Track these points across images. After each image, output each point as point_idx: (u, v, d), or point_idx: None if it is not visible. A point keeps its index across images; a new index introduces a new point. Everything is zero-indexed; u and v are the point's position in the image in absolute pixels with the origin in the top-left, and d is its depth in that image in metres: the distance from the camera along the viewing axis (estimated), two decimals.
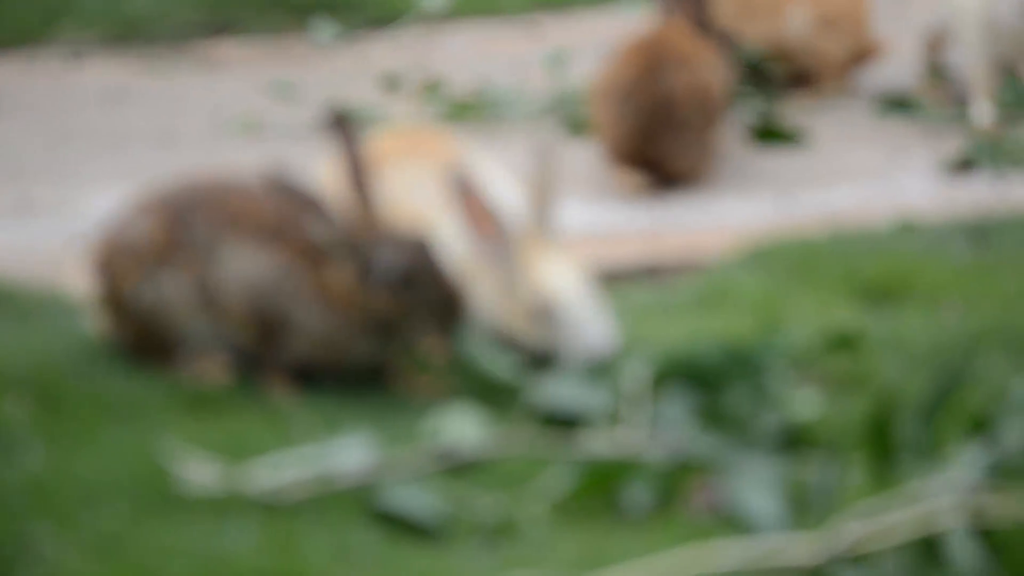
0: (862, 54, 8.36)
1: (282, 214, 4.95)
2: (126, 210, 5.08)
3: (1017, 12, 7.54)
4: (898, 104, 8.02)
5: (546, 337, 4.98)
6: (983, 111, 7.71)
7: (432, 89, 8.24)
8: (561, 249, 5.09)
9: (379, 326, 4.87)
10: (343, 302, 4.86)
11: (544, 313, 4.97)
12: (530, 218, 5.06)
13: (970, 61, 7.80)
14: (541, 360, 5.08)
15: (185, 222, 4.98)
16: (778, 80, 8.44)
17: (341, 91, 8.57)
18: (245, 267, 4.92)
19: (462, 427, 4.61)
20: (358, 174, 4.89)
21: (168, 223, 4.99)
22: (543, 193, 5.06)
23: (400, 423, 4.71)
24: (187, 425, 4.69)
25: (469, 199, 4.99)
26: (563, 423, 4.67)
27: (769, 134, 7.77)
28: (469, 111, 8.11)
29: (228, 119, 8.28)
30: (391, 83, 8.77)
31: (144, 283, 4.99)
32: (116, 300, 5.03)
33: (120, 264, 5.00)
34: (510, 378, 4.83)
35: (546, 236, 5.06)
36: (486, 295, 5.03)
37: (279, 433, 4.64)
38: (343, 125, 4.90)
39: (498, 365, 4.85)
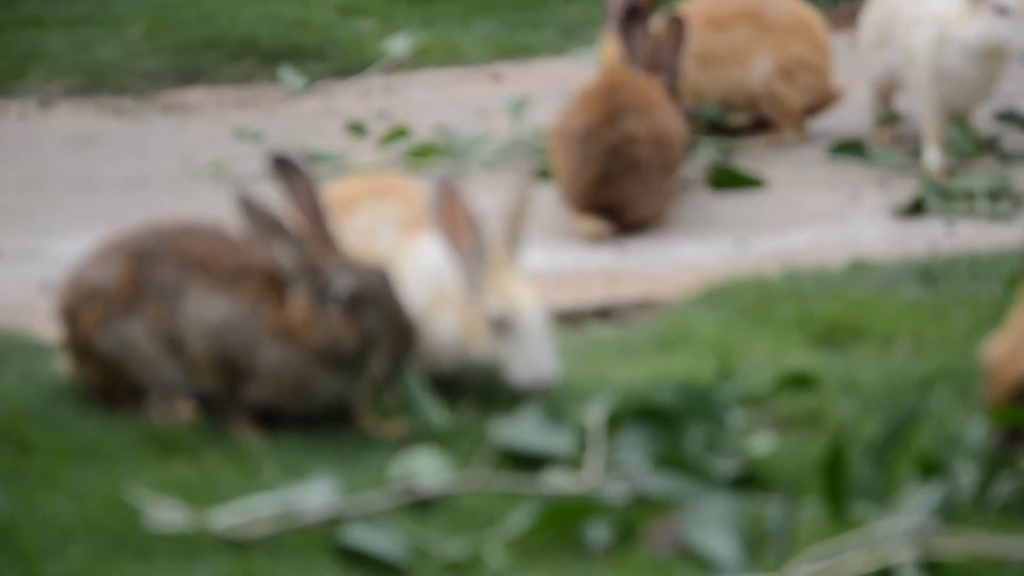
0: (823, 102, 8.41)
1: (243, 255, 4.94)
2: (90, 256, 5.06)
3: (968, 61, 7.59)
4: (851, 149, 8.06)
5: (499, 352, 4.99)
6: (933, 157, 7.75)
7: (397, 135, 8.24)
8: (525, 278, 5.11)
9: (340, 359, 4.84)
10: (303, 335, 4.84)
11: (502, 325, 4.97)
12: (502, 242, 5.07)
13: (921, 108, 7.84)
14: (487, 384, 5.11)
15: (148, 268, 4.95)
16: (735, 127, 8.48)
17: (308, 137, 8.57)
18: (208, 312, 4.89)
19: (425, 467, 4.59)
20: (313, 212, 4.86)
21: (132, 269, 4.96)
22: (516, 220, 5.08)
23: (365, 464, 4.69)
24: (154, 468, 4.66)
25: (450, 205, 4.99)
26: (525, 462, 4.66)
27: (726, 179, 7.78)
28: (433, 156, 8.10)
29: (196, 165, 8.26)
30: (357, 129, 8.77)
31: (109, 328, 4.96)
32: (82, 345, 5.00)
33: (85, 310, 4.97)
34: (438, 422, 4.82)
35: (514, 261, 5.08)
36: (445, 319, 5.05)
37: (245, 475, 4.61)
38: (288, 167, 4.90)
39: (429, 409, 4.85)
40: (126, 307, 4.94)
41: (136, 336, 4.94)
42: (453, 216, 4.99)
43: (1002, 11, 7.44)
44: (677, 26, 7.53)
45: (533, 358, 4.96)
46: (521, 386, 4.98)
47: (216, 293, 4.89)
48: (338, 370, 4.87)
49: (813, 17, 8.45)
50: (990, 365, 4.16)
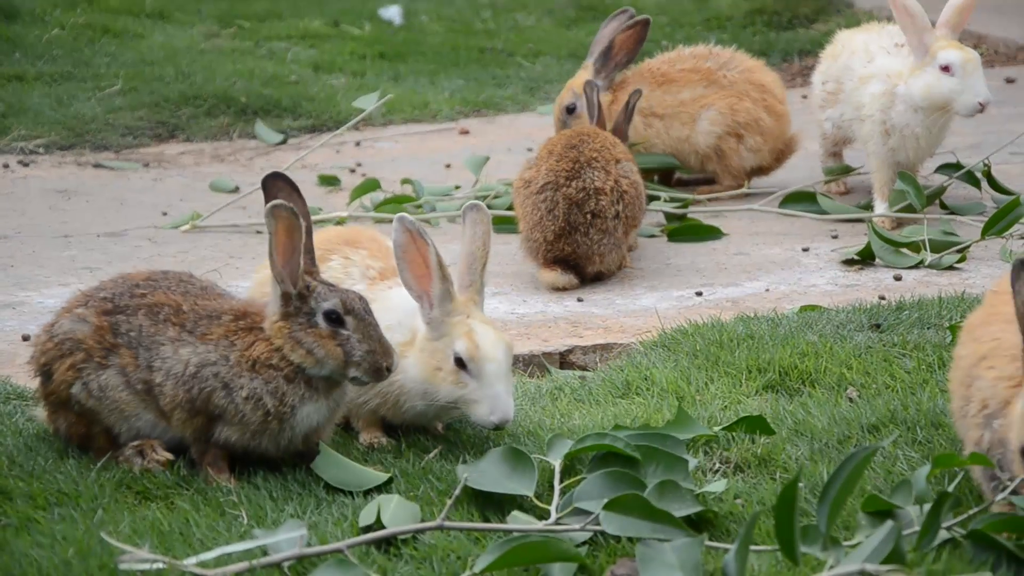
0: (773, 164, 8.44)
1: (211, 302, 4.93)
2: (64, 309, 5.03)
3: (914, 116, 7.63)
4: (802, 200, 8.09)
5: (463, 391, 5.00)
6: (881, 208, 7.78)
7: (368, 188, 8.25)
8: (488, 318, 5.13)
9: (319, 375, 4.84)
10: (282, 356, 4.83)
11: (466, 365, 5.00)
12: (465, 283, 5.09)
13: (870, 163, 7.88)
14: (450, 424, 5.09)
15: (122, 320, 4.93)
16: (692, 181, 8.51)
17: None
18: (180, 359, 4.87)
19: (394, 508, 4.58)
20: (304, 235, 4.86)
21: (107, 324, 4.94)
22: (477, 263, 5.09)
23: (335, 507, 4.66)
24: (129, 514, 4.62)
25: (413, 247, 5.00)
26: (491, 504, 4.65)
27: (683, 230, 7.81)
28: (402, 208, 8.11)
29: (174, 217, 8.25)
30: (330, 182, 8.78)
31: (84, 380, 4.94)
32: (58, 397, 4.97)
33: (60, 363, 4.96)
34: (368, 480, 4.82)
35: (478, 302, 5.09)
36: (411, 361, 5.04)
37: (219, 520, 4.59)
38: (282, 186, 4.91)
39: (356, 473, 4.86)
40: (100, 358, 4.92)
41: (111, 386, 4.92)
42: (416, 258, 5.01)
43: (945, 68, 7.50)
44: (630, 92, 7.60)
45: (494, 397, 4.98)
46: (483, 424, 4.99)
47: (187, 340, 4.88)
48: (316, 391, 4.84)
49: (771, 78, 8.46)
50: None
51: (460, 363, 4.97)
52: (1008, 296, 4.26)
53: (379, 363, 4.81)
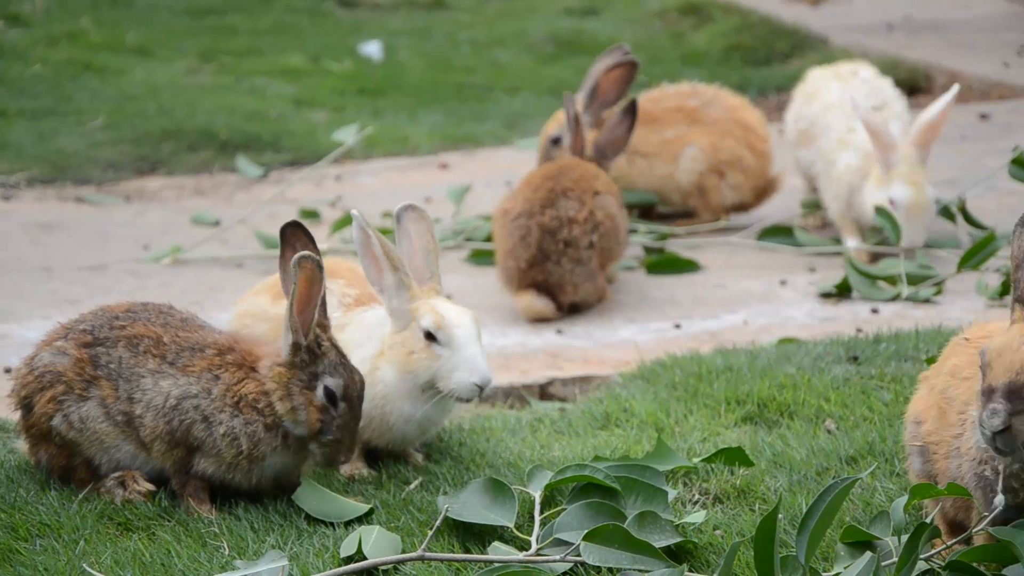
0: (755, 201, 8.46)
1: (192, 333, 4.92)
2: (43, 342, 5.01)
3: (866, 200, 7.70)
4: (780, 234, 8.11)
5: (435, 360, 5.04)
6: (854, 243, 7.81)
7: (348, 221, 8.25)
8: (450, 299, 5.20)
9: (289, 440, 4.84)
10: (269, 403, 4.82)
11: (433, 331, 5.05)
12: (423, 275, 5.17)
13: (834, 212, 7.90)
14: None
15: (102, 352, 4.91)
16: (672, 215, 8.53)
17: (264, 224, 8.56)
18: (160, 390, 4.86)
19: (375, 539, 4.57)
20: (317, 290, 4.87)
21: (87, 356, 4.92)
22: (429, 254, 5.18)
23: (317, 538, 4.65)
24: (111, 545, 4.60)
25: (369, 244, 5.08)
26: (472, 534, 4.64)
27: (662, 263, 7.82)
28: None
29: (155, 251, 8.24)
30: (311, 216, 8.77)
31: (64, 412, 4.91)
32: (39, 430, 4.95)
33: (40, 396, 4.93)
34: (349, 511, 4.81)
35: (437, 288, 5.18)
36: (388, 360, 5.10)
37: (200, 551, 4.57)
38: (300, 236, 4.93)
39: (336, 504, 4.86)
40: (80, 390, 4.91)
41: (91, 417, 4.90)
42: (373, 254, 5.09)
43: (892, 203, 7.49)
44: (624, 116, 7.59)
45: (470, 359, 5.04)
46: (465, 391, 5.04)
47: (167, 372, 4.86)
48: (288, 447, 4.84)
49: (754, 117, 8.48)
50: (990, 355, 4.15)
51: (430, 336, 5.07)
52: (985, 337, 4.31)
53: (336, 455, 4.84)
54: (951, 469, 4.30)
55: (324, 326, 4.85)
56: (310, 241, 4.91)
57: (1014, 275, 4.20)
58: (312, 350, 4.82)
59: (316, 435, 4.81)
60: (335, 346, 4.86)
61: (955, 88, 7.64)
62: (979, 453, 4.18)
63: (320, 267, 4.77)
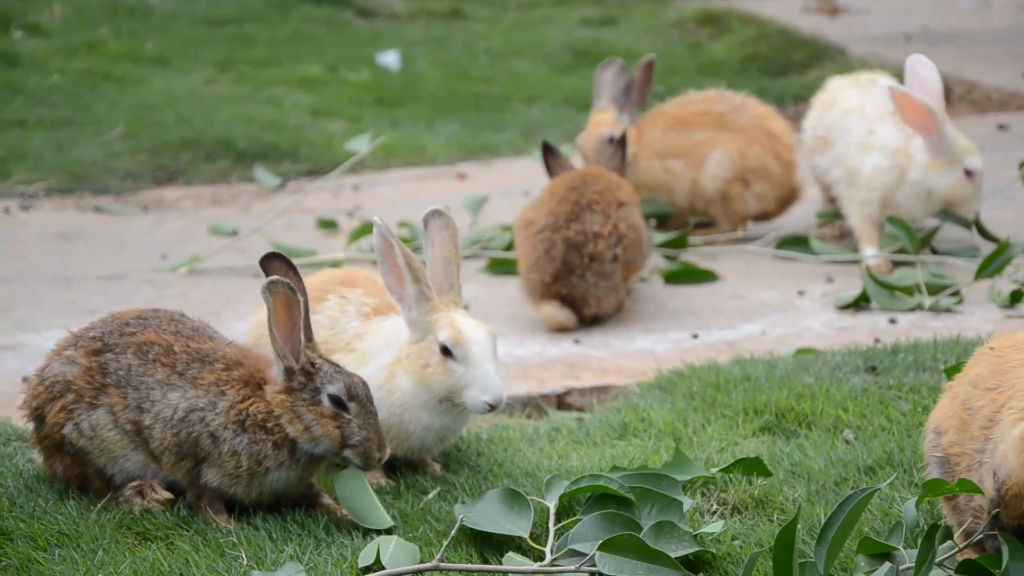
0: (778, 209, 8.45)
1: (203, 343, 4.91)
2: (54, 352, 5.00)
3: (923, 202, 7.70)
4: (797, 244, 8.10)
5: (454, 378, 5.03)
6: (871, 253, 7.79)
7: (365, 231, 8.25)
8: (469, 313, 5.18)
9: (297, 455, 4.83)
10: (277, 423, 4.81)
11: (450, 347, 5.03)
12: (443, 284, 5.15)
13: (855, 219, 7.88)
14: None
15: (111, 359, 4.91)
16: (691, 223, 8.51)
17: (281, 234, 8.57)
18: (169, 401, 4.85)
19: (393, 549, 4.56)
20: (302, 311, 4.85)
21: (97, 364, 4.91)
22: (451, 265, 5.15)
23: (335, 549, 4.65)
24: (129, 555, 4.60)
25: (390, 253, 5.07)
26: (488, 544, 4.63)
27: (680, 273, 7.81)
28: None
29: (173, 260, 8.25)
30: (328, 226, 8.78)
31: (75, 421, 4.91)
32: (51, 440, 4.95)
33: (51, 405, 4.92)
34: (374, 520, 4.80)
35: (457, 300, 5.16)
36: (404, 369, 5.09)
37: (219, 560, 4.57)
38: (281, 266, 4.90)
39: (367, 507, 4.83)
40: (91, 398, 4.90)
41: (100, 425, 4.89)
42: (394, 261, 5.07)
43: (969, 173, 7.58)
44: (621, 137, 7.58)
45: (484, 377, 5.03)
46: (477, 407, 5.04)
47: (176, 384, 4.86)
48: (296, 462, 4.83)
49: (781, 126, 8.47)
50: None
51: (446, 351, 5.06)
52: (1011, 347, 4.30)
53: (372, 452, 4.81)
54: (973, 480, 4.27)
55: (312, 348, 4.83)
56: (291, 268, 4.86)
57: None
58: (306, 370, 4.81)
59: (341, 444, 4.80)
60: (327, 360, 4.85)
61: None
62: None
63: (293, 290, 4.74)
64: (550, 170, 7.46)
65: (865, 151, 7.82)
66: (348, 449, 4.80)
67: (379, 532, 4.72)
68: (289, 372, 4.81)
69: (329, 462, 4.92)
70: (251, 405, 4.81)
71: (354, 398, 4.80)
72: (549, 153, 7.45)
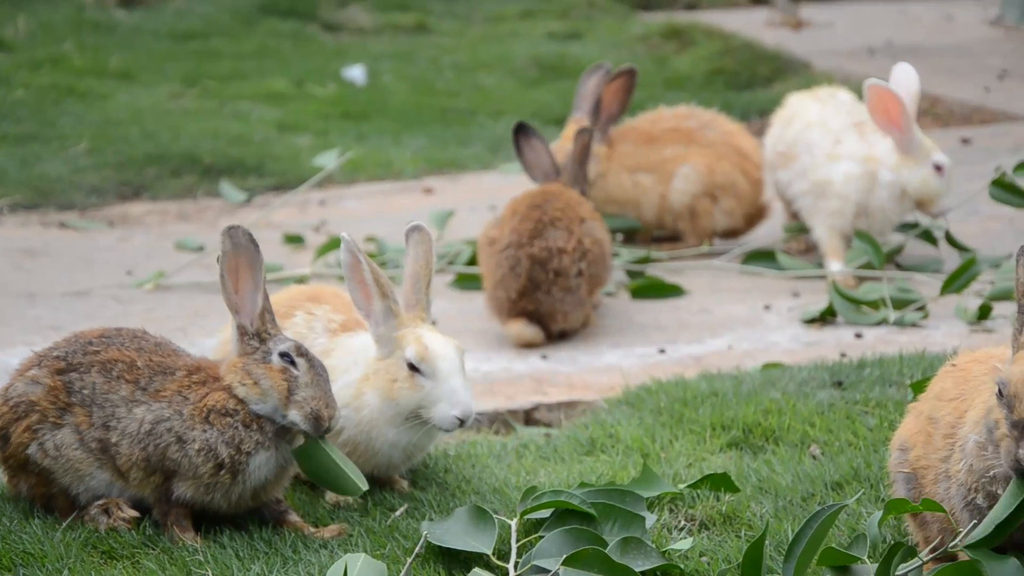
0: (751, 220, 8.46)
1: (164, 357, 4.90)
2: (17, 372, 4.98)
3: (896, 202, 7.75)
4: (763, 259, 8.11)
5: (417, 391, 5.04)
6: (837, 267, 7.82)
7: (332, 246, 8.24)
8: (437, 329, 5.18)
9: (266, 430, 4.82)
10: (230, 409, 4.80)
11: (416, 363, 5.04)
12: (410, 301, 5.16)
13: (821, 232, 7.91)
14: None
15: (75, 378, 4.89)
16: (657, 239, 8.53)
17: None
18: (134, 416, 4.84)
19: (360, 566, 4.55)
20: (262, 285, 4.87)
21: (61, 383, 4.89)
22: (421, 281, 5.16)
23: (302, 566, 4.63)
24: (95, 574, 4.58)
25: (357, 269, 5.07)
26: (455, 560, 4.62)
27: (647, 288, 7.82)
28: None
29: (139, 276, 8.22)
30: (295, 241, 8.76)
31: (40, 441, 4.88)
32: (16, 458, 4.92)
33: (16, 425, 4.89)
34: (347, 487, 4.79)
35: (426, 316, 5.16)
36: (371, 385, 5.09)
37: None
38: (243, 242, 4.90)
39: (336, 475, 4.82)
40: (55, 418, 4.88)
41: (65, 444, 4.87)
42: (361, 277, 5.08)
43: (938, 168, 7.66)
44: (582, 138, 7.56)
45: (452, 392, 5.03)
46: (446, 423, 5.03)
47: (140, 399, 4.85)
48: (268, 438, 4.80)
49: (750, 144, 8.50)
50: (1017, 386, 4.11)
51: (413, 367, 5.06)
52: (972, 361, 4.33)
53: (320, 411, 4.78)
54: (939, 493, 4.29)
55: (270, 316, 4.83)
56: (252, 242, 4.85)
57: (1020, 301, 4.19)
58: (261, 336, 4.82)
59: (287, 397, 4.77)
60: (286, 335, 4.86)
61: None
62: (969, 479, 4.17)
63: (256, 246, 4.75)
64: (520, 152, 7.46)
65: (833, 161, 7.85)
66: (294, 407, 4.77)
67: (345, 550, 4.69)
68: (242, 331, 4.81)
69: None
70: (209, 398, 4.80)
71: (303, 355, 4.81)
72: (522, 134, 7.44)
